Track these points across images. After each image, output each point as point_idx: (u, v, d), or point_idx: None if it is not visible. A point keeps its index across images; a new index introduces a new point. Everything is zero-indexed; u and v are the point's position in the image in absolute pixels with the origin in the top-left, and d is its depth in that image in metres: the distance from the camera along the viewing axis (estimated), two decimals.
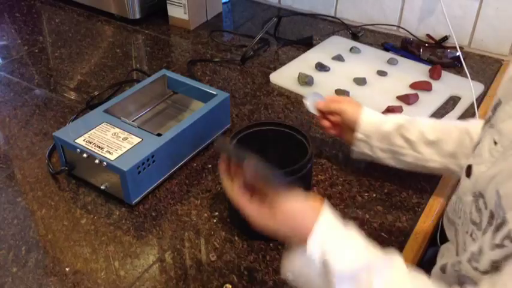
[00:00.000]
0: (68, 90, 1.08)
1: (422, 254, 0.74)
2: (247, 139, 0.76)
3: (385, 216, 0.76)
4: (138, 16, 1.33)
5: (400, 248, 0.71)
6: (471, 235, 0.54)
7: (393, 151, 0.76)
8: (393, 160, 0.77)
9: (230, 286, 0.66)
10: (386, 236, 0.73)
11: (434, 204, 0.79)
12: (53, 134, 0.81)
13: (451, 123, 0.77)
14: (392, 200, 0.79)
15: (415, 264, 0.71)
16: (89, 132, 0.81)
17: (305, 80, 1.05)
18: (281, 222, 0.55)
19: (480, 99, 1.03)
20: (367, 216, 0.76)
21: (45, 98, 1.05)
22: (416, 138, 0.74)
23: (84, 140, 0.79)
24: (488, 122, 0.57)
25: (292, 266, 0.56)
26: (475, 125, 0.73)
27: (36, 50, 1.22)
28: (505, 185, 0.48)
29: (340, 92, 1.02)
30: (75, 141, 0.79)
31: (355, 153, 0.81)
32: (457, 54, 1.10)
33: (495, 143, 0.53)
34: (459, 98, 1.01)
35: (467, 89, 1.02)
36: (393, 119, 0.77)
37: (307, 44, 1.22)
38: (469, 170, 0.57)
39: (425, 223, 0.76)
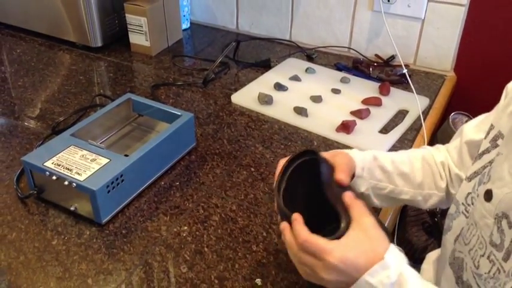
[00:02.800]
0: (32, 117, 1.09)
1: None
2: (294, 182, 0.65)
3: None
4: (99, 44, 1.36)
5: None
6: (488, 257, 0.58)
7: (373, 186, 0.73)
8: (373, 198, 0.75)
9: None
10: None
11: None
12: (22, 158, 0.82)
13: (408, 153, 0.77)
14: None
15: None
16: (57, 155, 0.83)
17: (265, 99, 1.11)
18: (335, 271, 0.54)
19: (426, 112, 1.11)
20: None
21: (9, 126, 1.06)
22: (392, 169, 0.73)
23: (52, 163, 0.81)
24: (488, 152, 0.62)
25: None
26: (427, 151, 0.78)
27: None
28: None
29: (298, 110, 1.08)
30: (44, 164, 0.81)
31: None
32: (404, 71, 1.19)
33: None
34: (407, 111, 1.09)
35: (414, 103, 1.10)
36: (368, 152, 0.75)
37: (265, 66, 1.29)
38: (488, 195, 0.58)
39: None
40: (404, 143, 1.01)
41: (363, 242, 0.55)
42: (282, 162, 0.67)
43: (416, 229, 1.09)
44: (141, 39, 1.34)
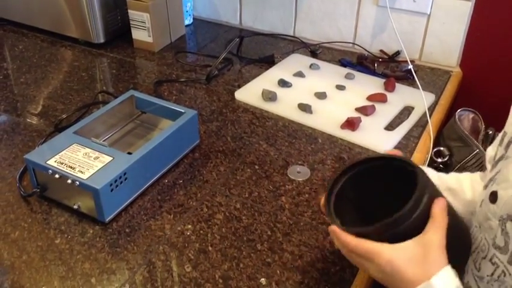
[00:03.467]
0: (35, 114, 1.08)
1: None
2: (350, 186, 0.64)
3: None
4: (102, 40, 1.36)
5: None
6: (490, 260, 0.57)
7: None
8: None
9: None
10: None
11: None
12: (24, 156, 0.82)
13: (455, 173, 0.76)
14: None
15: None
16: (60, 153, 0.82)
17: (269, 96, 1.10)
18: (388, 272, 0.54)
19: (432, 108, 1.10)
20: None
21: (12, 123, 1.05)
22: (439, 182, 0.67)
23: (55, 161, 0.80)
24: (502, 158, 0.61)
25: None
26: (474, 174, 0.76)
27: (1, 77, 1.23)
28: None
29: (302, 106, 1.07)
30: (47, 162, 0.80)
31: None
32: (409, 67, 1.18)
33: None
34: (413, 108, 1.08)
35: (420, 99, 1.09)
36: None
37: (269, 62, 1.28)
38: (493, 196, 0.57)
39: None
40: (410, 140, 1.00)
41: (417, 257, 0.53)
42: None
43: None
44: (144, 35, 1.32)
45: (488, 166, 0.71)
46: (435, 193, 0.57)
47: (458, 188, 0.73)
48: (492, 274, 0.58)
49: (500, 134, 0.71)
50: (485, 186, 0.65)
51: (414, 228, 0.54)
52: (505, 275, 0.56)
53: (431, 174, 0.74)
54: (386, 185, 0.62)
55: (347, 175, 0.64)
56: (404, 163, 0.61)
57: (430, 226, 0.55)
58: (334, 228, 0.59)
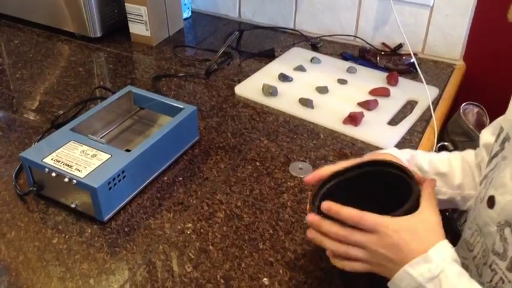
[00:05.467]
0: (31, 110, 1.06)
1: None
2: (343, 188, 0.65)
3: None
4: (99, 34, 1.33)
5: None
6: (490, 266, 0.56)
7: None
8: None
9: None
10: None
11: None
12: (20, 154, 0.80)
13: (447, 154, 0.75)
14: None
15: None
16: (57, 151, 0.80)
17: (269, 91, 1.08)
18: (396, 240, 0.54)
19: (436, 102, 1.08)
20: None
21: (8, 120, 1.03)
22: (429, 168, 0.71)
23: (52, 159, 0.78)
24: (496, 155, 0.60)
25: None
26: (466, 152, 0.75)
27: None
28: None
29: (304, 101, 1.05)
30: (43, 160, 0.78)
31: None
32: (412, 60, 1.16)
33: None
34: (416, 102, 1.06)
35: (423, 93, 1.07)
36: (404, 150, 0.73)
37: (269, 56, 1.25)
38: (491, 202, 0.56)
39: None
40: (414, 134, 0.98)
41: (420, 230, 0.55)
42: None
43: None
44: (141, 28, 1.30)
45: (483, 151, 0.70)
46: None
47: (449, 172, 0.72)
48: (491, 281, 0.56)
49: (494, 123, 0.70)
50: (481, 183, 0.63)
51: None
52: (503, 282, 0.54)
53: (421, 157, 0.73)
54: (372, 186, 0.63)
55: (338, 178, 0.65)
56: (395, 168, 0.62)
57: (425, 205, 0.57)
58: (332, 204, 0.58)
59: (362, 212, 0.56)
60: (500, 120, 0.67)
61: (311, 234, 0.61)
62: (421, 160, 0.72)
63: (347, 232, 0.57)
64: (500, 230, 0.55)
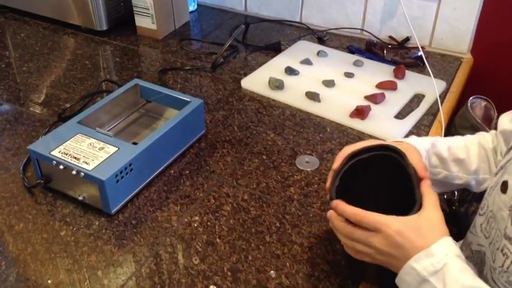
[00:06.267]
0: (38, 104, 1.07)
1: None
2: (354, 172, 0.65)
3: None
4: (105, 27, 1.33)
5: None
6: (502, 251, 0.56)
7: (429, 172, 0.71)
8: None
9: (214, 287, 0.67)
10: None
11: None
12: (28, 147, 0.80)
13: (465, 139, 0.76)
14: None
15: None
16: (64, 144, 0.80)
17: (276, 84, 1.08)
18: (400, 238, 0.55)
19: (443, 96, 1.08)
20: None
21: (15, 113, 1.03)
22: (448, 156, 0.73)
23: (59, 152, 0.79)
24: None
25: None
26: (483, 137, 0.76)
27: (3, 65, 1.21)
28: None
29: (310, 95, 1.05)
30: (51, 153, 0.78)
31: None
32: (419, 53, 1.15)
33: None
34: (423, 96, 1.06)
35: (431, 86, 1.06)
36: (425, 138, 0.74)
37: (275, 49, 1.25)
38: (504, 186, 0.57)
39: None
40: (421, 128, 0.97)
41: (423, 228, 0.56)
42: (347, 150, 0.67)
43: None
44: (148, 22, 1.30)
45: (500, 137, 0.71)
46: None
47: (466, 158, 0.74)
48: (502, 265, 0.57)
49: None
50: (496, 174, 0.64)
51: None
52: None
53: (441, 144, 0.74)
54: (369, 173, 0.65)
55: (348, 163, 0.66)
56: (395, 152, 0.64)
57: (428, 203, 0.58)
58: (339, 203, 0.60)
59: (365, 212, 0.58)
60: None
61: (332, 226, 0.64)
62: (440, 147, 0.74)
63: (351, 229, 0.59)
64: None
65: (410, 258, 0.54)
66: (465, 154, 0.74)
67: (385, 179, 0.64)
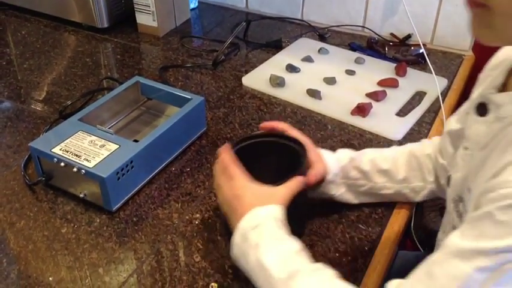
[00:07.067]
0: (39, 101, 1.07)
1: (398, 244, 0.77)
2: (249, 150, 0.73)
3: (362, 209, 0.79)
4: (106, 25, 1.33)
5: (378, 238, 0.74)
6: None
7: (349, 184, 0.76)
8: (350, 194, 0.76)
9: (216, 285, 0.67)
10: (363, 227, 0.76)
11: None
12: (29, 144, 0.80)
13: (395, 149, 0.79)
14: None
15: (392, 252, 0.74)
16: (65, 141, 0.80)
17: (277, 82, 1.08)
18: (230, 194, 0.64)
19: (445, 93, 1.07)
20: (345, 209, 0.78)
21: (16, 110, 1.03)
22: (370, 168, 0.75)
23: (60, 149, 0.79)
24: (461, 136, 0.62)
25: (232, 244, 0.62)
26: (419, 145, 0.78)
27: (4, 63, 1.21)
28: (473, 181, 0.52)
29: (311, 92, 1.04)
30: (52, 150, 0.78)
31: (314, 193, 0.76)
32: (421, 51, 1.15)
33: (466, 148, 0.58)
34: (425, 93, 1.06)
35: (432, 84, 1.06)
36: (345, 153, 0.77)
37: (276, 46, 1.25)
38: (448, 180, 0.61)
39: (399, 214, 0.79)
40: (423, 126, 0.97)
41: (263, 195, 0.63)
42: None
43: (433, 215, 1.06)
44: (149, 19, 1.30)
45: (447, 138, 0.71)
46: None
47: (392, 168, 0.75)
48: None
49: (460, 110, 0.71)
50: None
51: None
52: None
53: (362, 158, 0.75)
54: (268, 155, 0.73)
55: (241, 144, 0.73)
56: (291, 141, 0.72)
57: (284, 185, 0.65)
58: (226, 147, 0.68)
59: (234, 161, 0.66)
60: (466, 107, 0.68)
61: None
62: (360, 161, 0.75)
63: (220, 172, 0.67)
64: (456, 206, 0.57)
65: (243, 214, 0.61)
66: (390, 164, 0.75)
67: (284, 165, 0.71)
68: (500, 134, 0.50)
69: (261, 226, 0.59)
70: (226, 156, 0.67)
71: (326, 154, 0.75)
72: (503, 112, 0.51)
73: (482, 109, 0.54)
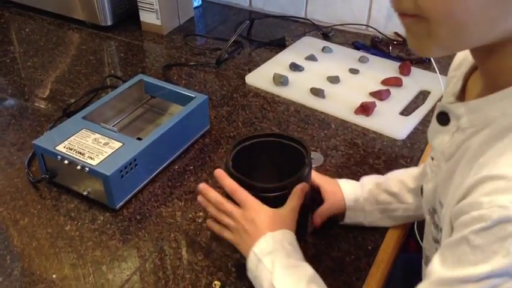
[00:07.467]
0: (42, 99, 1.07)
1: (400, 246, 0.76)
2: (248, 151, 0.72)
3: None
4: (109, 23, 1.33)
5: (381, 237, 0.74)
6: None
7: (382, 209, 0.73)
8: (386, 219, 0.74)
9: (219, 283, 0.67)
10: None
11: None
12: (33, 142, 0.80)
13: (418, 168, 0.74)
14: None
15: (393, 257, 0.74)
16: (69, 139, 0.80)
17: (280, 80, 1.08)
18: (240, 225, 0.63)
19: None
20: None
21: (20, 108, 1.04)
22: (399, 189, 0.72)
23: (64, 147, 0.79)
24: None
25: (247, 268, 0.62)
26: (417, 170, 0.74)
27: (8, 60, 1.21)
28: (443, 194, 0.51)
29: (315, 91, 1.04)
30: (56, 148, 0.78)
31: (346, 223, 0.75)
32: None
33: (432, 159, 0.57)
34: (429, 92, 1.05)
35: (436, 83, 1.06)
36: (369, 179, 0.75)
37: (280, 45, 1.25)
38: (421, 191, 0.60)
39: None
40: (426, 125, 0.97)
41: (274, 219, 0.63)
42: None
43: None
44: (152, 17, 1.30)
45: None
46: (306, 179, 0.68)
47: (399, 191, 0.72)
48: None
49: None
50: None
51: (280, 201, 0.65)
52: None
53: (389, 180, 0.73)
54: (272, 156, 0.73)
55: (244, 143, 0.72)
56: (297, 143, 0.71)
57: (288, 204, 0.65)
58: (221, 173, 0.67)
59: (238, 187, 0.64)
60: None
61: (200, 198, 0.69)
62: (388, 184, 0.73)
63: (222, 200, 0.66)
64: (432, 218, 0.56)
65: (256, 239, 0.61)
66: (418, 182, 0.71)
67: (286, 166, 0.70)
68: (463, 146, 0.48)
69: (275, 252, 0.60)
70: (229, 182, 0.66)
71: (343, 183, 0.74)
72: (463, 123, 0.49)
73: (443, 118, 0.52)
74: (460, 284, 0.41)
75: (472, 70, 0.54)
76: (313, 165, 0.87)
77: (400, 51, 1.18)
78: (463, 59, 0.56)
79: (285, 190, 0.66)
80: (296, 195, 0.65)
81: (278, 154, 0.72)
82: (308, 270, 0.60)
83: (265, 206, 0.64)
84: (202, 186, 0.69)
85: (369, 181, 0.74)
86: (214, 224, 0.68)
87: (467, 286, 0.41)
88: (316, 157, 0.89)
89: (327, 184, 0.74)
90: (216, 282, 0.67)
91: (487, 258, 0.39)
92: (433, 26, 0.42)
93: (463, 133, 0.49)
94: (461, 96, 0.54)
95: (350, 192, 0.73)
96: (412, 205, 0.72)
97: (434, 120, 0.54)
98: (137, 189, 0.81)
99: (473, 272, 0.40)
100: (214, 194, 0.67)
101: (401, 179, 0.73)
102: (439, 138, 0.53)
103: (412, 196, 0.72)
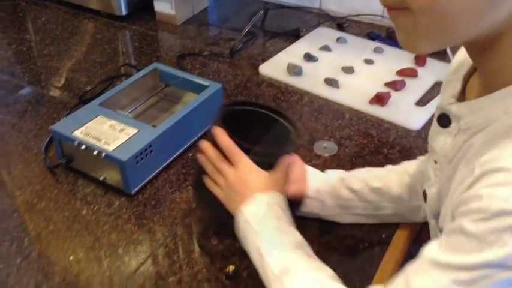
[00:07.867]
0: (59, 86, 1.08)
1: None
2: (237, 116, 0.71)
3: None
4: (124, 12, 1.34)
5: (396, 225, 0.74)
6: None
7: (341, 205, 0.72)
8: (345, 215, 0.73)
9: (233, 267, 0.68)
10: None
11: None
12: (50, 127, 0.81)
13: (388, 168, 0.74)
14: None
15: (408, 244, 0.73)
16: (86, 125, 0.81)
17: (294, 70, 1.07)
18: (233, 184, 0.63)
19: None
20: None
21: (36, 95, 1.05)
22: (360, 187, 0.71)
23: (81, 133, 0.80)
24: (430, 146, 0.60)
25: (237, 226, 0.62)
26: (411, 163, 0.73)
27: (24, 49, 1.22)
28: (446, 196, 0.50)
29: (329, 81, 1.04)
30: (73, 133, 0.79)
31: (301, 211, 0.73)
32: None
33: (435, 162, 0.55)
34: None
35: None
36: (334, 173, 0.74)
37: (294, 35, 1.24)
38: (424, 196, 0.59)
39: None
40: None
41: (266, 181, 0.63)
42: None
43: None
44: (166, 7, 1.30)
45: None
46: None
47: (383, 186, 0.71)
48: None
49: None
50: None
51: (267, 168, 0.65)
52: None
53: (354, 179, 0.72)
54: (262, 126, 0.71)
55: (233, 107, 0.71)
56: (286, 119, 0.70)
57: (275, 173, 0.64)
58: (219, 130, 0.64)
59: (234, 145, 0.63)
60: None
61: (200, 155, 0.68)
62: (350, 181, 0.72)
63: (217, 157, 0.65)
64: (437, 222, 0.55)
65: (246, 198, 0.60)
66: (382, 183, 0.71)
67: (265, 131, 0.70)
68: (464, 146, 0.48)
69: (264, 214, 0.59)
70: (226, 139, 0.64)
71: (311, 169, 0.74)
72: (464, 124, 0.48)
73: (444, 120, 0.51)
74: (454, 269, 0.42)
75: (472, 71, 0.53)
76: (326, 155, 0.87)
77: None
78: (461, 62, 0.55)
79: (272, 158, 0.65)
80: (280, 167, 0.65)
81: (265, 127, 0.71)
82: (296, 235, 0.59)
83: (257, 167, 0.63)
84: (205, 144, 0.67)
85: (334, 175, 0.73)
86: (208, 179, 0.67)
87: (460, 273, 0.41)
88: (330, 146, 0.89)
89: (297, 168, 0.72)
90: (230, 266, 0.68)
91: (483, 248, 0.40)
92: (418, 18, 0.41)
93: (465, 134, 0.48)
94: (461, 97, 0.53)
95: (314, 183, 0.72)
96: (374, 204, 0.71)
97: (435, 122, 0.54)
98: (152, 175, 0.82)
99: (468, 261, 0.40)
100: (210, 149, 0.66)
101: (364, 177, 0.72)
102: (441, 141, 0.52)
103: (374, 195, 0.71)
